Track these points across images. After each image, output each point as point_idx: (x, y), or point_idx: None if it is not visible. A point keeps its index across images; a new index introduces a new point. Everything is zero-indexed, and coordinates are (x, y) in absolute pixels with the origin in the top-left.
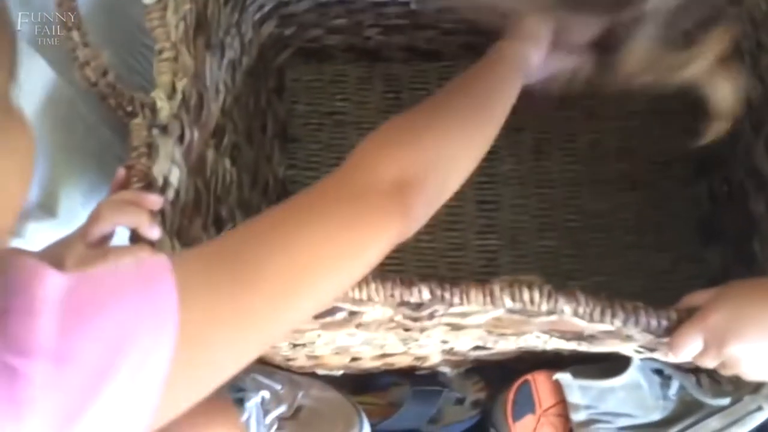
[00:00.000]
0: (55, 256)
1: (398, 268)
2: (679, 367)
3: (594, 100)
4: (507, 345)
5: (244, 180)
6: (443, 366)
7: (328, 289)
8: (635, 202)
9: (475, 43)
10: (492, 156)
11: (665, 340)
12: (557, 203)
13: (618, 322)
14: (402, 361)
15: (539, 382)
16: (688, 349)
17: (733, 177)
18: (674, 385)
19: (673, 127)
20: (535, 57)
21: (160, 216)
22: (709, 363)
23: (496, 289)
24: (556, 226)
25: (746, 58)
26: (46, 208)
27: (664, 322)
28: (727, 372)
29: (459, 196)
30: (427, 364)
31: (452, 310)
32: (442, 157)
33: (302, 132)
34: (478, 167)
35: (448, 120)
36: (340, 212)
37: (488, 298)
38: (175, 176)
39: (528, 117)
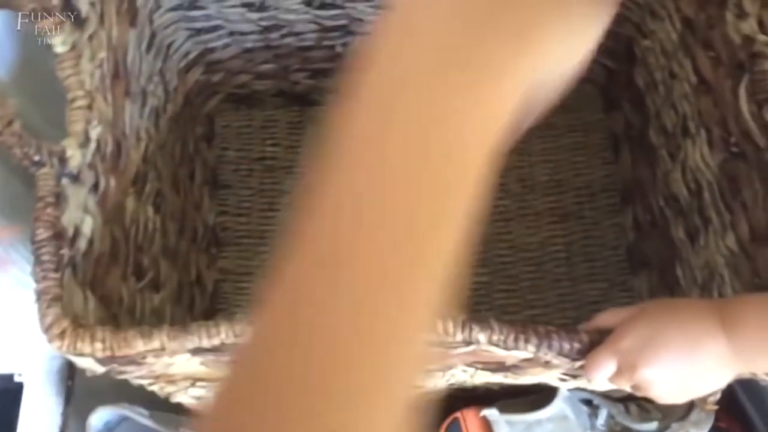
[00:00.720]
0: None
1: None
2: (607, 396)
3: (521, 136)
4: (435, 381)
5: (169, 228)
6: None
7: None
8: (565, 234)
9: None
10: None
11: (579, 364)
12: (489, 239)
13: (532, 347)
14: None
15: (468, 419)
16: (601, 372)
17: (654, 205)
18: (602, 415)
19: (597, 160)
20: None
21: (71, 267)
22: (622, 385)
23: None
24: (488, 262)
25: (660, 87)
26: None
27: (577, 345)
28: (640, 394)
29: None
30: None
31: None
32: None
33: (233, 178)
34: None
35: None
36: None
37: None
38: (88, 225)
39: None
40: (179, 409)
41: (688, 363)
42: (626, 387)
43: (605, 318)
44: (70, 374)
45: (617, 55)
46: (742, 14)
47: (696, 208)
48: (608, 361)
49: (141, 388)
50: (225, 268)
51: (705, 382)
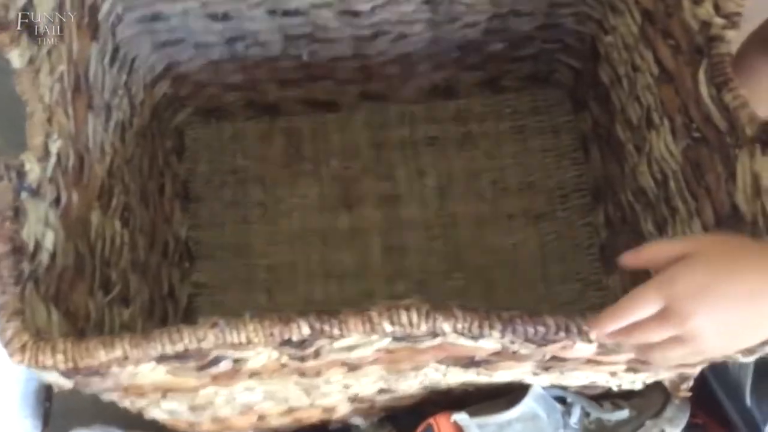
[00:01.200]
0: None
1: None
2: (581, 393)
3: (492, 139)
4: (410, 383)
5: (139, 242)
6: (354, 417)
7: None
8: (538, 236)
9: (371, 91)
10: (396, 202)
11: (549, 349)
12: (463, 244)
13: (496, 333)
14: (311, 415)
15: (441, 424)
16: (641, 310)
17: (624, 201)
18: (575, 413)
19: (567, 161)
20: None
21: (33, 281)
22: (659, 334)
23: (374, 314)
24: (463, 267)
25: (624, 81)
26: None
27: (541, 329)
28: (675, 350)
29: (365, 243)
30: (337, 416)
31: (336, 344)
32: None
33: (204, 191)
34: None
35: None
36: None
37: (367, 325)
38: (50, 239)
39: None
40: (156, 428)
41: (748, 313)
42: (662, 336)
43: (654, 251)
44: (47, 396)
45: (582, 55)
46: (698, 0)
47: (663, 199)
48: (654, 301)
49: (119, 408)
50: (199, 281)
51: (761, 332)
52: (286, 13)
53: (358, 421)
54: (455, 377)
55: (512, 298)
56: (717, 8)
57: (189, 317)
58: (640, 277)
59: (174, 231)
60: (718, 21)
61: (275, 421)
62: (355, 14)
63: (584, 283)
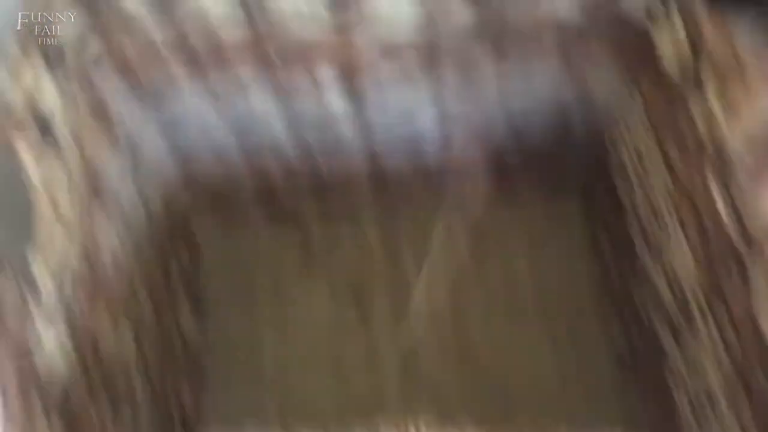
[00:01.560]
0: None
1: None
2: None
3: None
4: None
5: (150, 360)
6: None
7: None
8: (554, 342)
9: (385, 202)
10: (409, 313)
11: None
12: (478, 351)
13: None
14: None
15: None
16: None
17: (640, 308)
18: None
19: (581, 266)
20: None
21: (45, 413)
22: None
23: (381, 426)
24: (479, 373)
25: (635, 184)
26: None
27: None
28: None
29: (380, 361)
30: None
31: None
32: None
33: (218, 307)
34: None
35: None
36: None
37: None
38: (60, 363)
39: None
40: None
41: None
42: None
43: None
44: None
45: (593, 160)
46: (704, 102)
47: (679, 305)
48: None
49: None
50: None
51: None
52: (303, 126)
53: None
54: None
55: (528, 404)
56: (724, 106)
57: None
58: (658, 385)
59: (189, 350)
60: (724, 118)
61: None
62: (371, 129)
63: (602, 390)
